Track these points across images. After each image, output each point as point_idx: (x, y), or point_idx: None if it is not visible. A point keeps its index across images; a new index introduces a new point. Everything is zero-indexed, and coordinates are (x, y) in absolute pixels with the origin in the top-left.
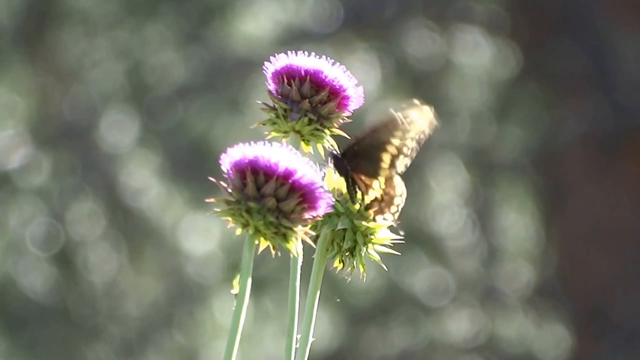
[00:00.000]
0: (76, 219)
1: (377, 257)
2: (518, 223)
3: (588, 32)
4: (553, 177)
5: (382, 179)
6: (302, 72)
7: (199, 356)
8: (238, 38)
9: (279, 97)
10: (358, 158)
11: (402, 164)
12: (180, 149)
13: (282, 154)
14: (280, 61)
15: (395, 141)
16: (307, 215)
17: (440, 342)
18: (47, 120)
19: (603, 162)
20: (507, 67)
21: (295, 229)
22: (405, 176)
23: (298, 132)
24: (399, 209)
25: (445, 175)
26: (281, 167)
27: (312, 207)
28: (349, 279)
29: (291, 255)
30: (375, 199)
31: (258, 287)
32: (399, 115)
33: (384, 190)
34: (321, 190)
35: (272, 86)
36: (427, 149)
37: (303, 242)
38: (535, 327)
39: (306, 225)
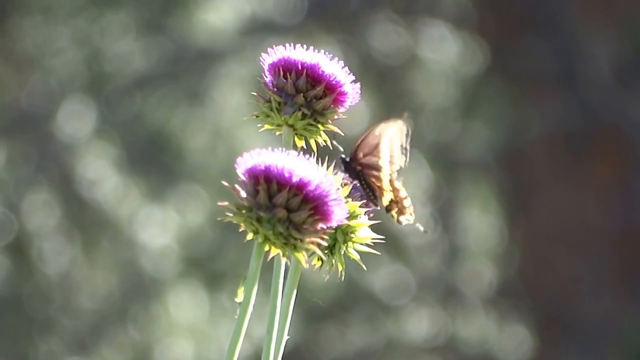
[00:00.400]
0: (31, 209)
1: (356, 256)
2: (481, 222)
3: (556, 30)
4: (518, 175)
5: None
6: (299, 66)
7: (152, 352)
8: (200, 28)
9: (275, 89)
10: (364, 162)
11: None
12: (139, 140)
13: (297, 163)
14: (278, 53)
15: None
16: (319, 227)
17: (399, 341)
18: (3, 109)
19: (569, 162)
20: (474, 63)
21: (305, 240)
22: None
23: (291, 126)
24: (411, 208)
25: (408, 172)
26: (295, 178)
27: (325, 218)
28: (327, 277)
29: (275, 258)
30: (392, 200)
31: (214, 283)
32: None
33: (393, 192)
34: (335, 202)
35: (268, 78)
36: None
37: None
38: (496, 327)
39: (317, 236)
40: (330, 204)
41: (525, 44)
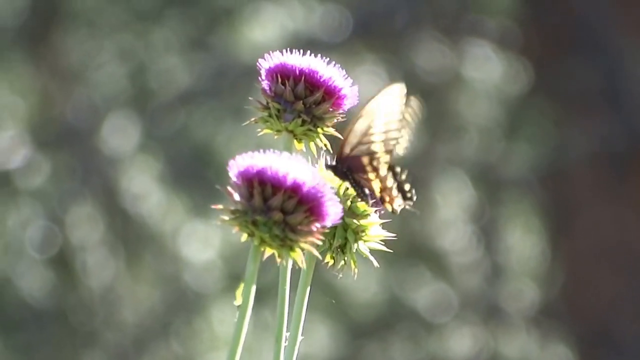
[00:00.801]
0: (75, 222)
1: (367, 254)
2: (524, 241)
3: (600, 50)
4: (561, 195)
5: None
6: (297, 72)
7: None
8: (244, 45)
9: (273, 95)
10: (350, 159)
11: (379, 147)
12: (182, 155)
13: (291, 164)
14: (274, 59)
15: (374, 132)
16: (314, 227)
17: (441, 359)
18: (49, 122)
19: (612, 182)
20: (518, 83)
21: (301, 240)
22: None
23: (291, 132)
24: (412, 190)
25: (451, 191)
26: (289, 180)
27: (320, 219)
28: (340, 276)
29: (282, 261)
30: (381, 189)
31: (258, 298)
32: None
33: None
34: (330, 201)
35: (265, 83)
36: (433, 164)
37: None
38: (538, 347)
39: (313, 236)
40: (325, 204)
41: (569, 64)
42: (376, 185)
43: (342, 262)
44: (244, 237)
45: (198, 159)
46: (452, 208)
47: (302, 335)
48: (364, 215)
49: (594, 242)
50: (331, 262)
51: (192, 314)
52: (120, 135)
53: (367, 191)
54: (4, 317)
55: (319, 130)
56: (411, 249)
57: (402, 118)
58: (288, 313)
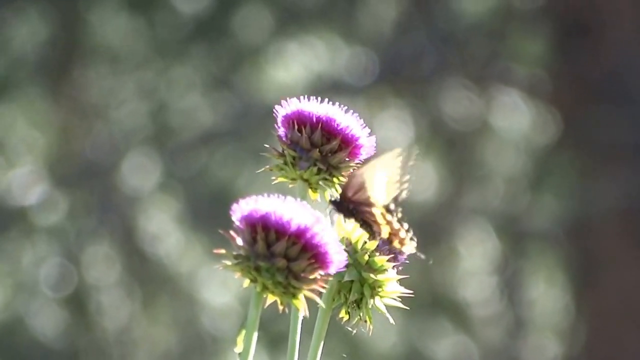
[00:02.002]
0: (91, 261)
1: (384, 310)
2: (547, 295)
3: (629, 102)
4: (586, 249)
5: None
6: (314, 119)
7: None
8: (268, 85)
9: (289, 142)
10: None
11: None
12: (202, 196)
13: (295, 210)
14: (291, 106)
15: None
16: (317, 274)
17: None
18: (67, 158)
19: (639, 237)
20: (546, 132)
21: (304, 288)
22: (433, 240)
23: (306, 180)
24: (408, 236)
25: (474, 241)
26: (293, 226)
27: (324, 266)
28: (355, 331)
29: (292, 309)
30: (390, 232)
31: (275, 344)
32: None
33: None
34: (334, 249)
35: (281, 130)
36: (457, 213)
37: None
38: None
39: (316, 284)
40: (330, 251)
41: (599, 115)
42: (385, 229)
43: (358, 317)
44: (247, 282)
45: (218, 200)
46: (475, 259)
47: None
48: (382, 270)
49: (619, 298)
50: (346, 317)
51: (208, 358)
52: (139, 173)
53: (375, 229)
54: (16, 356)
55: (335, 179)
56: (432, 299)
57: (402, 174)
58: None
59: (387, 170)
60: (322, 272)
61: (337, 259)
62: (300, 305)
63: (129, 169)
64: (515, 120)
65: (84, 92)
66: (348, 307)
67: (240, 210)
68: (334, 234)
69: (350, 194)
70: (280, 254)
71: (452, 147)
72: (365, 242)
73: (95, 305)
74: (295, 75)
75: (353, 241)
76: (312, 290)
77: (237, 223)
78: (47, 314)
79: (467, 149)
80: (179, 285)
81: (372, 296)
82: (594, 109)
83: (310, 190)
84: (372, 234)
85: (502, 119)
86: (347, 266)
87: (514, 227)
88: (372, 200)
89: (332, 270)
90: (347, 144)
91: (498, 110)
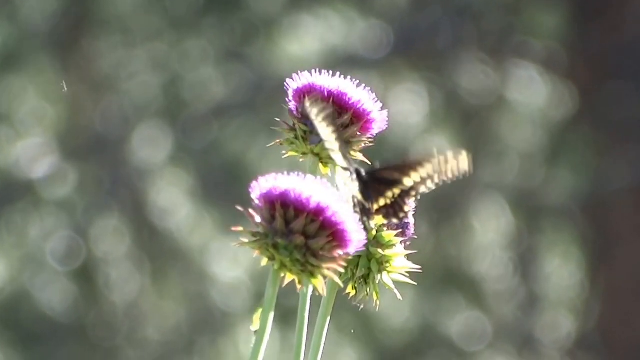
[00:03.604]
0: (100, 235)
1: (391, 286)
2: (562, 270)
3: None
4: (601, 225)
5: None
6: (325, 93)
7: None
8: (282, 58)
9: (300, 116)
10: (379, 180)
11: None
12: (214, 169)
13: (314, 188)
14: (302, 79)
15: (422, 173)
16: (336, 253)
17: None
18: (77, 131)
19: None
20: (562, 107)
21: (322, 266)
22: (447, 214)
23: (317, 155)
24: (409, 212)
25: (489, 216)
26: (313, 203)
27: (343, 244)
28: (362, 307)
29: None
30: (385, 204)
31: (285, 320)
32: (438, 156)
33: (395, 197)
34: (353, 227)
35: (293, 104)
36: (472, 188)
37: None
38: None
39: (335, 263)
40: (348, 229)
41: (615, 90)
42: (382, 200)
43: (365, 293)
44: (264, 261)
45: (230, 174)
46: (490, 234)
47: None
48: (389, 246)
49: (633, 274)
50: (353, 292)
51: (218, 333)
52: (150, 146)
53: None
54: (23, 330)
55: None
56: (446, 274)
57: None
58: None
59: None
60: (340, 251)
61: (357, 238)
62: (319, 284)
63: (140, 142)
64: (531, 94)
65: (95, 63)
66: (355, 282)
67: (259, 187)
68: (352, 213)
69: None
70: (298, 231)
71: (467, 121)
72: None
73: (104, 279)
74: (310, 48)
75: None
76: (330, 269)
77: (256, 200)
78: (54, 288)
79: (483, 124)
80: (189, 259)
81: (380, 271)
82: (610, 84)
83: (320, 165)
84: (361, 203)
85: (518, 93)
86: None
87: (529, 202)
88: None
89: (352, 249)
90: (359, 118)
91: (514, 85)
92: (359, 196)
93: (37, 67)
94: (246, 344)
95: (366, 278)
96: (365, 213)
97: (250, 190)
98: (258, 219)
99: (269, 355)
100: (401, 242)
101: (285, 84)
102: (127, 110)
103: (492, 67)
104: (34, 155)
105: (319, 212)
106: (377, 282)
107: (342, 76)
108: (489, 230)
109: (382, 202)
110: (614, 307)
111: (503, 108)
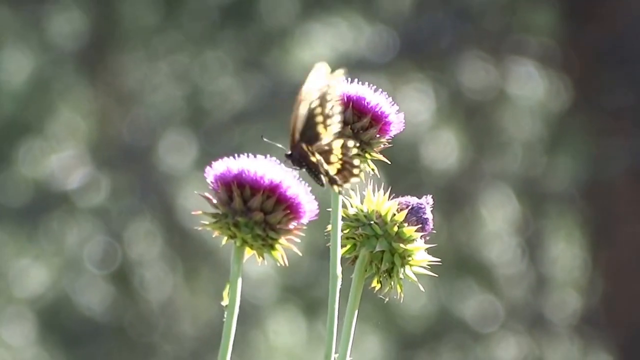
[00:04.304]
0: (133, 238)
1: (414, 279)
2: (566, 253)
3: (637, 67)
4: (602, 208)
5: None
6: (345, 98)
7: None
8: (296, 66)
9: None
10: (302, 144)
11: (333, 126)
12: None
13: (266, 166)
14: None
15: (317, 110)
16: (292, 225)
17: None
18: (107, 141)
19: None
20: (559, 99)
21: (282, 238)
22: (457, 205)
23: None
24: (360, 165)
25: (496, 205)
26: (267, 181)
27: (298, 216)
28: (387, 299)
29: (330, 278)
30: (338, 170)
31: (312, 311)
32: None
33: (341, 158)
34: (306, 200)
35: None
36: (478, 178)
37: (343, 265)
38: (581, 354)
39: (291, 234)
40: (302, 201)
41: (608, 80)
42: (332, 168)
43: (390, 287)
44: (224, 240)
45: None
46: (498, 221)
47: (350, 356)
48: (410, 240)
49: (632, 253)
50: (378, 286)
51: (248, 326)
52: (176, 153)
53: (322, 170)
54: (64, 332)
55: (367, 155)
56: (458, 261)
57: (333, 93)
58: (338, 330)
59: (330, 88)
60: (296, 223)
61: (310, 208)
62: (278, 256)
63: (166, 150)
64: (530, 88)
65: (121, 77)
66: (380, 276)
67: (214, 171)
68: (303, 186)
69: (297, 135)
70: (257, 208)
71: (471, 116)
72: (394, 214)
73: (139, 280)
74: (321, 55)
75: (382, 213)
76: (289, 240)
77: (211, 184)
78: (93, 291)
79: (486, 118)
80: (218, 257)
81: (403, 265)
82: (603, 75)
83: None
84: (318, 179)
85: (517, 88)
86: (377, 237)
87: (533, 190)
88: (318, 129)
89: (305, 219)
90: (377, 121)
91: (513, 80)
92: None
93: (68, 84)
94: (275, 334)
95: (390, 272)
96: (333, 181)
97: (204, 175)
98: (216, 201)
99: (297, 345)
100: (421, 237)
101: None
102: (153, 120)
103: (492, 65)
104: (68, 166)
105: (273, 188)
106: (401, 275)
107: (352, 80)
108: (497, 218)
109: (333, 170)
110: (616, 285)
111: (504, 102)
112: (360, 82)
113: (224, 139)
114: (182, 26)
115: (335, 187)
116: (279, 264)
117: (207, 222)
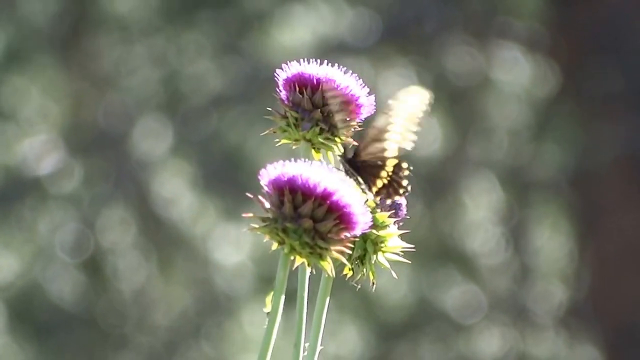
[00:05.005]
0: (107, 226)
1: (387, 266)
2: (552, 242)
3: (626, 53)
4: (588, 197)
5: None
6: (314, 81)
7: None
8: (275, 49)
9: (291, 104)
10: (363, 159)
11: (394, 145)
12: (214, 159)
13: (321, 173)
14: (292, 69)
15: (391, 128)
16: (343, 235)
17: (470, 359)
18: (81, 127)
19: (638, 184)
20: (546, 85)
21: (330, 249)
22: (440, 192)
23: (309, 140)
24: (408, 186)
25: (480, 193)
26: (320, 188)
27: (350, 227)
28: (359, 287)
29: (299, 268)
30: (383, 185)
31: (287, 301)
32: (390, 102)
33: (390, 175)
34: (359, 210)
35: (283, 93)
36: (462, 166)
37: None
38: (566, 347)
39: (342, 245)
40: (354, 212)
41: (596, 66)
42: (379, 182)
43: (362, 273)
44: (275, 245)
45: (229, 163)
46: (481, 210)
47: (321, 345)
48: (383, 226)
49: (620, 244)
50: (350, 273)
51: (223, 317)
52: (152, 139)
53: (369, 184)
54: (35, 321)
55: (337, 139)
56: (441, 250)
57: (421, 118)
58: (308, 318)
59: (408, 115)
60: (347, 233)
61: (363, 220)
62: (327, 266)
63: (142, 135)
64: (516, 74)
65: (96, 60)
66: (352, 263)
67: (267, 174)
68: (358, 196)
69: (362, 146)
70: (307, 215)
71: (455, 102)
72: (367, 200)
73: (112, 268)
74: (301, 38)
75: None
76: (338, 251)
77: (265, 187)
78: (64, 279)
79: (471, 104)
80: (193, 246)
81: (375, 252)
82: (591, 60)
83: (313, 150)
84: (364, 189)
85: (502, 73)
86: None
87: (518, 178)
88: (386, 152)
89: (358, 230)
90: (347, 103)
91: (499, 65)
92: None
93: (40, 67)
94: (251, 325)
95: (362, 259)
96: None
97: (259, 177)
98: (267, 205)
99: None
100: (394, 223)
101: (275, 74)
102: (128, 105)
103: (477, 49)
104: (41, 152)
105: (325, 196)
106: (373, 262)
107: (333, 64)
108: (481, 207)
109: (379, 183)
110: (603, 276)
111: (489, 88)
112: (340, 66)
113: (201, 124)
114: (159, 8)
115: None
116: (259, 252)
117: (256, 226)
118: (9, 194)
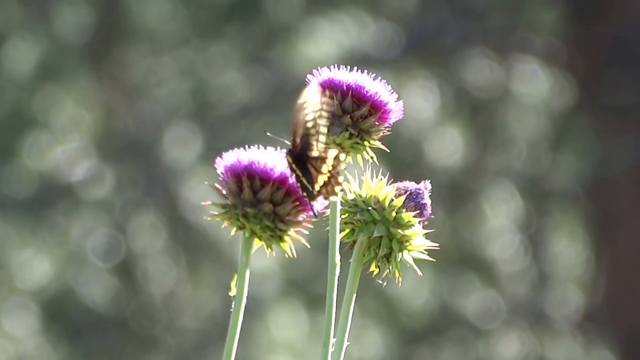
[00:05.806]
0: (137, 231)
1: (412, 264)
2: (569, 250)
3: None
4: (604, 205)
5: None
6: (344, 87)
7: None
8: (300, 61)
9: None
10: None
11: (320, 140)
12: None
13: (277, 158)
14: (322, 75)
15: (310, 123)
16: (301, 217)
17: None
18: (112, 135)
19: None
20: (563, 97)
21: (290, 230)
22: (460, 201)
23: (339, 145)
24: (342, 185)
25: (499, 201)
26: (277, 172)
27: (307, 208)
28: (385, 284)
29: (329, 265)
30: (324, 183)
31: (315, 304)
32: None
33: (330, 171)
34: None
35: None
36: (482, 175)
37: (341, 249)
38: (583, 352)
39: (300, 226)
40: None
41: (611, 79)
42: (321, 178)
43: (387, 271)
44: (233, 231)
45: None
46: (501, 218)
47: (348, 341)
48: (408, 226)
49: (635, 251)
50: (376, 270)
51: (251, 319)
52: (181, 147)
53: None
54: (68, 324)
55: (366, 143)
56: (461, 257)
57: (322, 108)
58: (336, 317)
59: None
60: (305, 215)
61: (319, 200)
62: (287, 247)
63: (171, 143)
64: (534, 86)
65: (126, 71)
66: (378, 261)
67: (224, 162)
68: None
69: (297, 140)
70: (266, 200)
71: (475, 113)
72: (392, 200)
73: (143, 272)
74: (326, 51)
75: (380, 199)
76: (298, 232)
77: (221, 175)
78: (96, 283)
79: (490, 115)
80: (221, 250)
81: (401, 250)
82: (606, 73)
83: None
84: (305, 188)
85: (521, 85)
86: (375, 223)
87: (536, 187)
88: (316, 145)
89: (315, 211)
90: (377, 109)
91: (517, 78)
92: (304, 180)
93: (73, 77)
94: (277, 328)
95: (388, 257)
96: (310, 197)
97: (214, 165)
98: (226, 192)
99: (299, 338)
100: (419, 222)
101: (306, 80)
102: (157, 114)
103: (497, 62)
104: (73, 159)
105: (283, 180)
106: (399, 260)
107: (362, 72)
108: (500, 215)
109: (321, 180)
110: (618, 282)
111: (508, 100)
112: (370, 74)
113: (229, 132)
114: (188, 20)
115: (322, 195)
116: (286, 256)
117: (216, 213)
118: (42, 199)
